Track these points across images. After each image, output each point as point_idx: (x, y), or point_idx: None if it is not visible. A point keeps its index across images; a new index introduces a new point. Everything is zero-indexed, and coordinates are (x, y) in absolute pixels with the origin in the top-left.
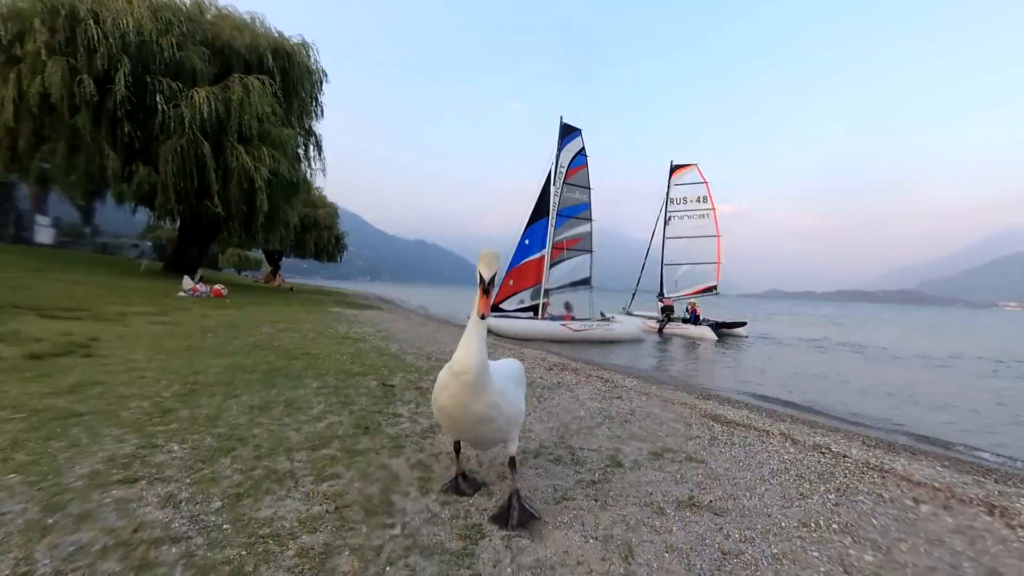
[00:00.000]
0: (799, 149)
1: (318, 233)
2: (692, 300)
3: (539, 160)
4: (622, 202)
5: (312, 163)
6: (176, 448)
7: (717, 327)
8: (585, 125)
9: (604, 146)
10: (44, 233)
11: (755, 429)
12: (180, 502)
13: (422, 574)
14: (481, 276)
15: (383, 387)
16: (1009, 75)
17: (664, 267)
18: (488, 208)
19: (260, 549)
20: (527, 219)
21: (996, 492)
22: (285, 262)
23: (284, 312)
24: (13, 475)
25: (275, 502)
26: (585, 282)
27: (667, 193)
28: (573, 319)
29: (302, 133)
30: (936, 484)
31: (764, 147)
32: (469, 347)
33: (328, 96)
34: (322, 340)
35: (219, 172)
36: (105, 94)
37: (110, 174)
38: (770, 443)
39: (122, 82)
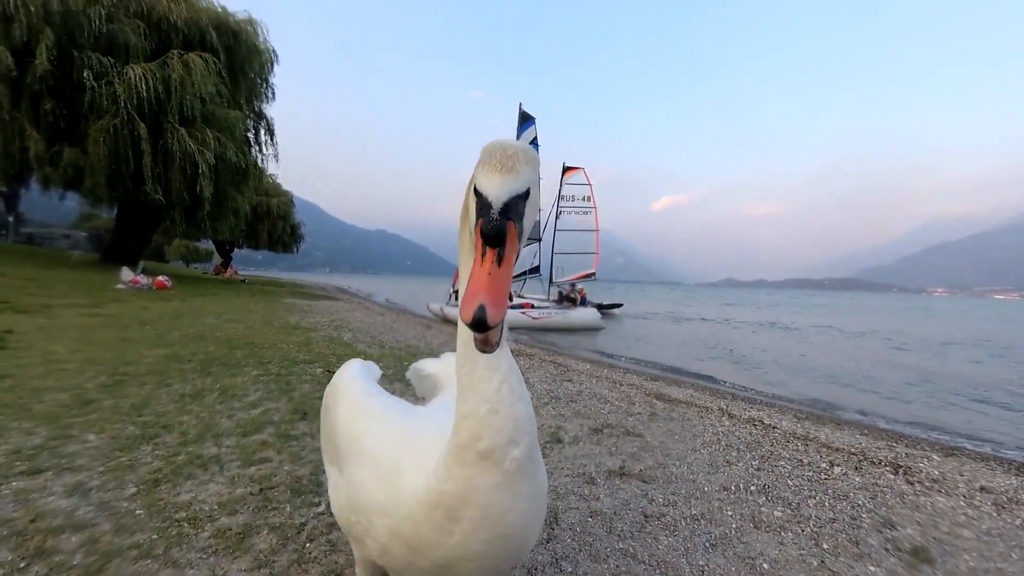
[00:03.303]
0: (751, 138)
1: (272, 223)
2: (581, 287)
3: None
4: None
5: (264, 148)
6: (93, 438)
7: (600, 307)
8: (550, 114)
9: (570, 137)
10: None
11: (696, 406)
12: (89, 490)
13: (343, 548)
14: (482, 199)
15: (328, 374)
16: (949, 67)
17: (554, 255)
18: (450, 196)
19: (174, 532)
20: None
21: (904, 454)
22: (238, 253)
23: (232, 303)
24: None
25: (196, 486)
26: (535, 270)
27: (559, 190)
28: (533, 307)
29: (252, 116)
30: (852, 449)
31: (717, 138)
32: (500, 392)
33: (281, 79)
34: (269, 330)
35: (159, 156)
36: (25, 68)
37: (33, 155)
38: (708, 418)
39: (44, 55)
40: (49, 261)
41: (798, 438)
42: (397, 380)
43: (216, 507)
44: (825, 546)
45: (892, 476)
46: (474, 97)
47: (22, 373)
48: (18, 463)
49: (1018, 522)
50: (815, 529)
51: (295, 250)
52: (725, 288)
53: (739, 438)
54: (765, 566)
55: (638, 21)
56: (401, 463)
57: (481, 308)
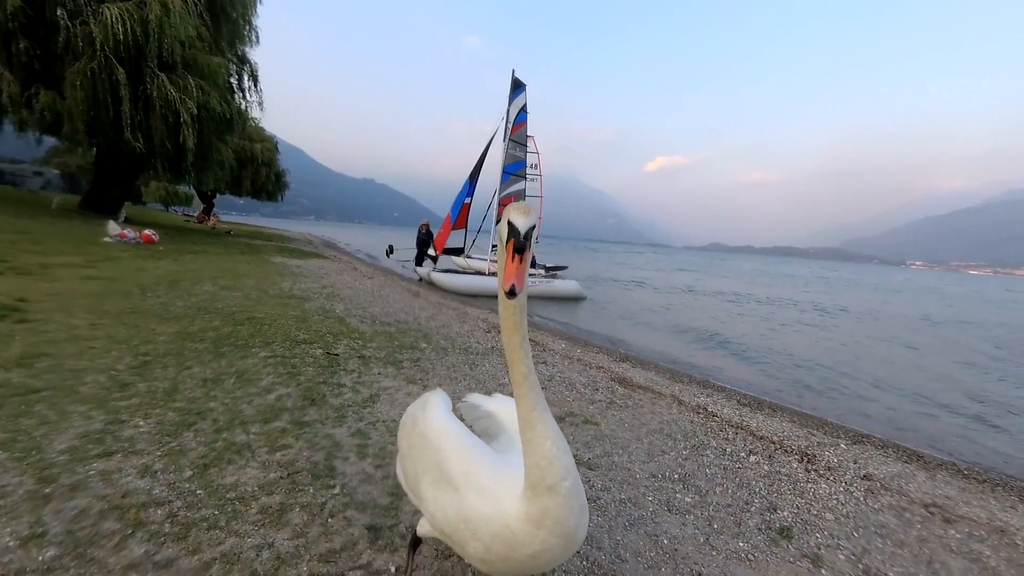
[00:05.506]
0: (750, 103)
1: (255, 169)
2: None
3: (493, 102)
4: (574, 149)
5: (247, 94)
6: (141, 423)
7: (546, 270)
8: (548, 67)
9: (556, 88)
10: None
11: (652, 391)
12: (156, 472)
13: (356, 523)
14: (512, 226)
15: (328, 356)
16: (932, 44)
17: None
18: (441, 149)
19: (229, 509)
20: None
21: (817, 443)
22: (220, 198)
23: (224, 265)
24: None
25: (237, 470)
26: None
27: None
28: None
29: (234, 61)
30: (774, 438)
31: (716, 101)
32: (551, 450)
33: (264, 19)
34: (266, 299)
35: (139, 103)
36: None
37: (6, 98)
38: (659, 404)
39: None
40: (31, 208)
41: (732, 426)
42: (389, 364)
43: (256, 489)
44: (715, 526)
45: (796, 464)
46: (469, 44)
47: (56, 351)
48: (90, 446)
49: (876, 506)
50: (712, 513)
51: (280, 198)
52: (711, 253)
53: (680, 427)
54: (665, 541)
55: None
56: (498, 488)
57: (513, 286)
